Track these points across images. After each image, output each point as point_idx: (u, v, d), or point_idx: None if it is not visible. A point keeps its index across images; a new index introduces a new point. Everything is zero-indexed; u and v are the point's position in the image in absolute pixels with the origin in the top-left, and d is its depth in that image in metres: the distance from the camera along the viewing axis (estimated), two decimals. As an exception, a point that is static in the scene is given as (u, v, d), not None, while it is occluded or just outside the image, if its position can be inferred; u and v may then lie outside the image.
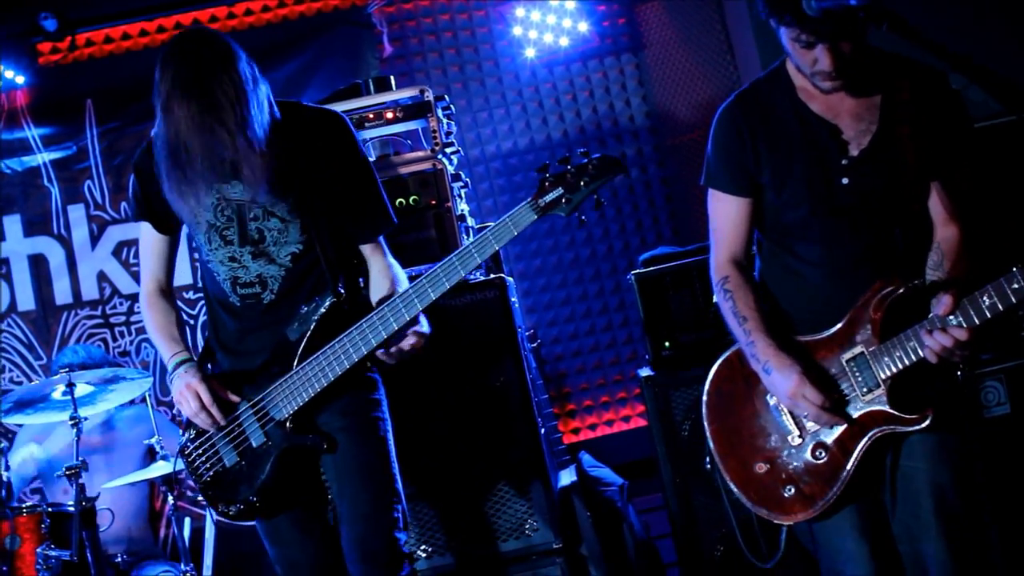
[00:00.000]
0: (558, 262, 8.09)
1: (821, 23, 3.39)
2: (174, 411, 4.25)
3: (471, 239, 3.86)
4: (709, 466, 3.99)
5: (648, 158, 8.28)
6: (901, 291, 3.61)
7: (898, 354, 3.57)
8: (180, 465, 4.29)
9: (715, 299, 3.96)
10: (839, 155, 3.70)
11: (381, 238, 4.33)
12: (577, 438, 7.94)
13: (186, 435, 4.26)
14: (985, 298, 3.42)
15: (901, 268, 3.67)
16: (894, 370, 3.59)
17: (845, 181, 3.69)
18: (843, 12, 3.27)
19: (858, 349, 3.66)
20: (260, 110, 3.91)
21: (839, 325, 3.70)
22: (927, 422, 3.56)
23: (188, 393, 4.06)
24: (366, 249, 4.30)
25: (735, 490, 3.88)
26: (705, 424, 3.99)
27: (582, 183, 3.85)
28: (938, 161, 3.68)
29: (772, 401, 3.83)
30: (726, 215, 3.93)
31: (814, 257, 3.79)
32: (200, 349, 4.39)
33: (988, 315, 3.42)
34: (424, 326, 4.06)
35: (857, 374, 3.65)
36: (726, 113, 3.89)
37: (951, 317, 3.45)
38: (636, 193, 8.24)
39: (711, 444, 3.96)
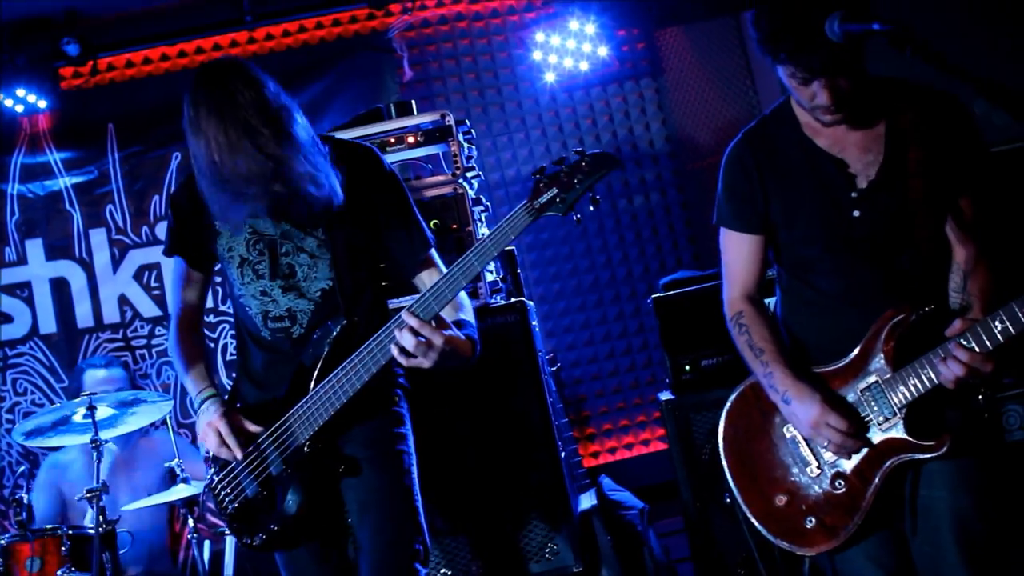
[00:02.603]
0: (577, 286, 8.09)
1: (815, 59, 3.40)
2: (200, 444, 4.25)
3: (471, 248, 3.84)
4: (729, 500, 3.97)
5: (667, 182, 8.28)
6: (912, 318, 3.60)
7: (913, 382, 3.56)
8: (209, 501, 4.29)
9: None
10: (848, 188, 3.69)
11: (437, 258, 4.31)
12: (597, 462, 7.93)
13: (211, 470, 4.26)
14: (997, 323, 3.40)
15: (917, 295, 3.65)
16: (910, 398, 3.57)
17: (856, 213, 3.68)
18: (861, 36, 3.26)
19: (872, 378, 3.64)
20: (296, 127, 3.97)
21: (852, 355, 3.69)
22: (945, 448, 3.53)
23: (209, 430, 4.08)
24: (423, 276, 4.28)
25: (756, 524, 3.86)
26: (723, 459, 3.98)
27: (575, 181, 3.79)
28: (949, 184, 3.66)
29: (788, 433, 3.81)
30: (737, 253, 3.94)
31: (831, 289, 3.77)
32: (223, 374, 4.37)
33: (1001, 339, 3.39)
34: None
35: (873, 403, 3.63)
36: (734, 152, 3.90)
37: (964, 341, 3.43)
38: (656, 217, 8.24)
39: (730, 479, 3.95)
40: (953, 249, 3.71)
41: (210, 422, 4.08)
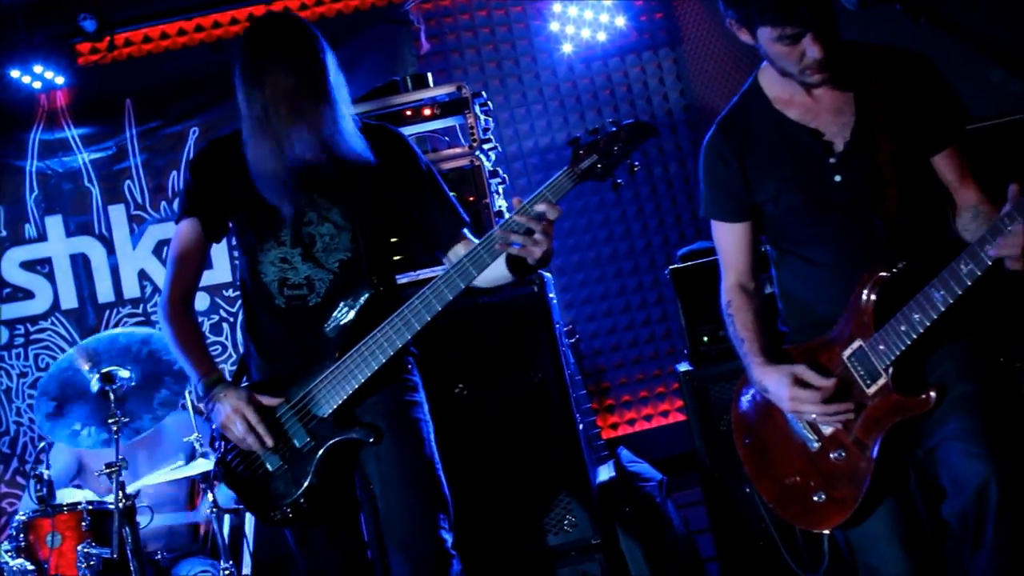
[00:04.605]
0: (596, 257, 8.08)
1: (802, 9, 3.37)
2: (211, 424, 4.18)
3: (512, 211, 3.88)
4: (749, 490, 3.99)
5: (686, 153, 8.26)
6: (887, 277, 3.58)
7: (892, 340, 3.53)
8: (222, 475, 4.22)
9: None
10: (826, 155, 3.68)
11: (471, 234, 4.31)
12: (615, 433, 7.93)
13: (222, 444, 4.18)
14: None
15: (897, 256, 3.62)
16: (892, 357, 3.55)
17: (838, 179, 3.68)
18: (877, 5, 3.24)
19: (856, 343, 3.62)
20: (343, 92, 4.14)
21: (839, 323, 3.69)
22: (933, 402, 3.51)
23: (236, 416, 3.98)
24: (458, 249, 4.27)
25: (773, 508, 3.89)
26: (736, 445, 4.03)
27: (615, 149, 3.87)
28: (924, 143, 3.65)
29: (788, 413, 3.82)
30: (727, 242, 4.00)
31: (822, 258, 3.78)
32: (242, 348, 4.35)
33: None
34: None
35: (859, 368, 3.62)
36: (710, 144, 3.93)
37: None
38: (674, 188, 8.22)
39: (744, 465, 3.99)
40: (956, 195, 3.69)
41: (234, 408, 3.99)
